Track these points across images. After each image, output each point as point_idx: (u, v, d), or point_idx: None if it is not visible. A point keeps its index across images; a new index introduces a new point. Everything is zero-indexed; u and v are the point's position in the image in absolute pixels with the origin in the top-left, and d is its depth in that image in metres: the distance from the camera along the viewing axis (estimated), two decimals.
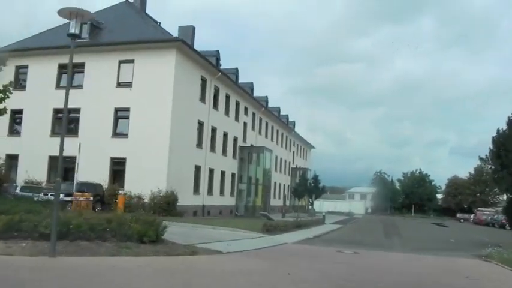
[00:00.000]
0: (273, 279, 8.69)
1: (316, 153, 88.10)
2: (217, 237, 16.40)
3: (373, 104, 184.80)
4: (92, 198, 20.62)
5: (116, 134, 30.91)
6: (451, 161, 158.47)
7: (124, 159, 30.12)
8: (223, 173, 38.88)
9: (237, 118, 42.14)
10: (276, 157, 55.90)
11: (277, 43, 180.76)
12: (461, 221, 68.72)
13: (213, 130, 36.67)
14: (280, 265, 10.75)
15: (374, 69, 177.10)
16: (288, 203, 61.07)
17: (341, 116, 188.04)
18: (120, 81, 31.15)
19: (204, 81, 34.83)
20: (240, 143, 43.07)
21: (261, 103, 49.98)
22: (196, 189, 33.71)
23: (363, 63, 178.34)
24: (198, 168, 33.93)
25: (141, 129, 29.68)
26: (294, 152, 67.84)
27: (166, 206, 26.03)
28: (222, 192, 38.77)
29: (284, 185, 61.34)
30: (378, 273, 10.83)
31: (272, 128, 55.19)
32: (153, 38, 31.26)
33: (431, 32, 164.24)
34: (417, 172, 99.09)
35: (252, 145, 45.30)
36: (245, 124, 44.69)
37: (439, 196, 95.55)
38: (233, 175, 41.65)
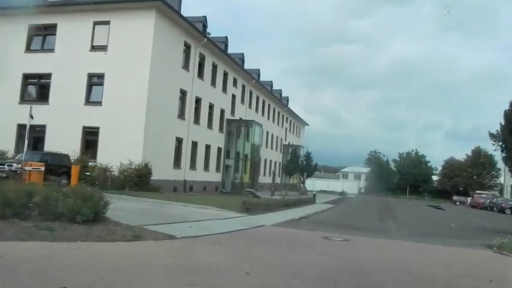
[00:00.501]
0: (220, 283, 6.24)
1: (311, 132, 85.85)
2: (183, 216, 13.93)
3: (370, 85, 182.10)
4: (43, 168, 17.97)
5: (89, 101, 28.30)
6: (446, 144, 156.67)
7: (97, 128, 27.61)
8: (208, 147, 36.29)
9: (224, 89, 39.37)
10: (267, 133, 53.28)
11: (276, 23, 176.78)
12: (457, 203, 66.62)
13: (198, 101, 33.95)
14: (243, 257, 8.27)
15: (372, 50, 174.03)
16: (279, 180, 58.53)
17: (337, 97, 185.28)
18: (94, 44, 28.42)
19: (188, 48, 32.04)
20: (227, 116, 40.40)
21: (252, 75, 47.15)
22: (177, 163, 31.18)
23: (361, 44, 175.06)
24: (179, 141, 31.37)
25: (116, 96, 27.11)
26: (286, 128, 65.17)
27: (138, 179, 23.45)
28: (206, 167, 36.26)
29: (275, 162, 58.75)
30: (373, 270, 8.41)
31: (263, 102, 52.40)
32: None
33: (431, 15, 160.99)
34: (413, 153, 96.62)
35: (241, 118, 42.66)
36: (233, 96, 41.93)
37: (435, 178, 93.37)
38: (219, 149, 39.04)
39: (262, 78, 53.49)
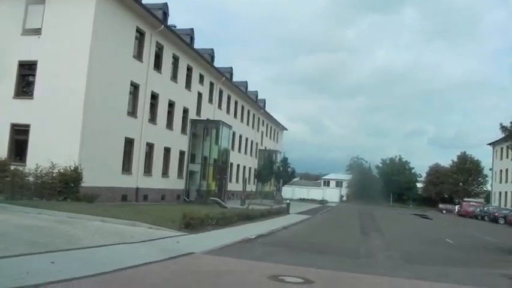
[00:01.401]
0: None
1: (294, 140, 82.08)
2: (76, 239, 9.60)
3: (354, 93, 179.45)
4: None
5: (18, 94, 23.79)
6: (428, 151, 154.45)
7: (28, 126, 23.03)
8: (167, 150, 31.82)
9: (188, 86, 34.94)
10: (241, 136, 49.01)
11: (257, 31, 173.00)
12: (444, 212, 63.13)
13: (154, 97, 29.53)
14: None
15: (356, 59, 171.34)
16: (253, 188, 54.08)
17: (320, 105, 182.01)
18: (26, 27, 23.98)
19: (141, 35, 27.66)
20: (192, 116, 36.01)
21: (223, 74, 42.83)
22: (127, 168, 26.71)
23: (345, 53, 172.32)
24: (129, 142, 26.90)
25: (50, 88, 22.63)
26: (262, 132, 60.85)
27: (64, 186, 18.95)
28: (165, 173, 31.77)
29: (250, 168, 54.38)
30: None
31: (236, 103, 48.05)
32: None
33: (415, 23, 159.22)
34: (397, 159, 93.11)
35: (208, 119, 38.31)
36: (200, 94, 37.53)
37: (419, 185, 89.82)
38: (182, 153, 34.58)
39: (235, 78, 49.42)
